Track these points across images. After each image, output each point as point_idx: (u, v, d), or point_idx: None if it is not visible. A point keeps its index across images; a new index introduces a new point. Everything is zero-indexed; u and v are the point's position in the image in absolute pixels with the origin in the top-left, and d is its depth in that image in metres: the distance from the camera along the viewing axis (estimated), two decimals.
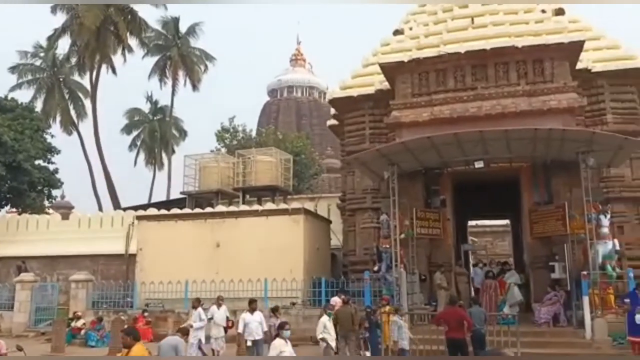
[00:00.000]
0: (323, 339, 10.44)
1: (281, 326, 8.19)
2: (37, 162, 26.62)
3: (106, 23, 29.72)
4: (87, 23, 27.71)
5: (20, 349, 7.27)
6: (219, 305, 13.91)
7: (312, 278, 18.03)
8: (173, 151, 40.02)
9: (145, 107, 42.78)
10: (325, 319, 10.68)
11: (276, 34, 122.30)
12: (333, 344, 10.28)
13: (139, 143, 42.22)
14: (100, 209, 33.31)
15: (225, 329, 13.78)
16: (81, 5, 28.85)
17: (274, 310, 11.77)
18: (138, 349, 5.86)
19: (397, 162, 14.65)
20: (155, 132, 41.21)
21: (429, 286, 15.77)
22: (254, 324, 11.48)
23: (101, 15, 28.70)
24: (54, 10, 31.51)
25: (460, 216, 20.31)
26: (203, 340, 13.10)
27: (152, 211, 22.60)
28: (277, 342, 7.86)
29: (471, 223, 28.67)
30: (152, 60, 37.09)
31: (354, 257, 19.18)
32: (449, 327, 9.71)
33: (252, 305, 11.90)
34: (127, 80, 38.88)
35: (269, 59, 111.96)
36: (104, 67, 32.25)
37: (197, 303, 13.62)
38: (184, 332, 9.04)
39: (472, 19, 16.82)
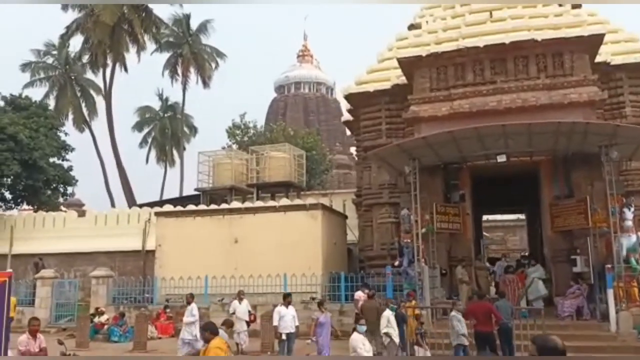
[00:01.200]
0: (387, 334, 10.18)
1: (357, 321, 8.21)
2: (51, 159, 26.75)
3: (121, 21, 29.79)
4: (104, 20, 27.76)
5: (61, 342, 7.35)
6: (240, 300, 14.01)
7: (330, 273, 18.10)
8: (184, 148, 40.13)
9: (156, 105, 42.97)
10: (388, 313, 10.45)
11: (283, 31, 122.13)
12: (397, 339, 10.08)
13: (149, 140, 42.35)
14: (113, 205, 33.47)
15: (248, 323, 13.87)
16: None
17: (320, 304, 11.71)
18: (216, 342, 5.91)
19: (418, 157, 14.63)
20: (166, 130, 41.32)
21: (449, 281, 15.77)
22: (289, 317, 11.55)
23: (117, 13, 28.77)
24: (64, 7, 31.60)
25: (476, 211, 20.29)
26: (198, 336, 13.01)
27: (169, 208, 22.73)
28: (356, 336, 7.88)
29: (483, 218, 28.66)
30: (161, 57, 37.28)
31: (372, 252, 19.22)
32: (478, 321, 9.74)
33: (287, 299, 11.98)
34: (137, 78, 39.02)
35: (276, 55, 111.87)
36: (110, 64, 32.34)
37: (190, 298, 13.55)
38: (228, 325, 9.00)
39: (491, 13, 16.75)
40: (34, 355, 7.21)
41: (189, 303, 13.37)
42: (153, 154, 43.03)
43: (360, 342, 7.77)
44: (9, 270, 7.18)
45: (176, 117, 41.48)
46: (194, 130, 42.43)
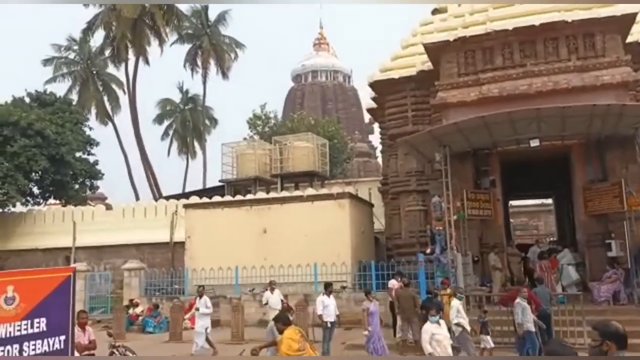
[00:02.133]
0: (458, 324, 9.93)
1: (427, 311, 8.17)
2: (77, 154, 27.08)
3: (143, 14, 29.90)
4: (127, 14, 27.88)
5: (110, 334, 7.46)
6: (272, 290, 14.06)
7: (360, 262, 18.10)
8: (205, 140, 40.31)
9: (176, 97, 43.14)
10: (457, 303, 10.28)
11: (299, 20, 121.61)
12: (468, 328, 9.89)
13: (171, 133, 42.60)
14: (137, 199, 33.82)
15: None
16: None
17: (367, 294, 11.57)
18: (289, 333, 5.96)
19: (448, 143, 14.50)
20: (187, 122, 41.51)
21: (481, 267, 15.65)
22: (332, 306, 11.61)
23: (140, 6, 28.86)
24: (87, 4, 31.84)
25: (504, 196, 20.09)
26: (209, 329, 13.05)
27: (194, 199, 22.90)
28: (428, 326, 7.87)
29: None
30: (179, 49, 37.35)
31: (400, 241, 19.18)
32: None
33: (329, 289, 12.06)
34: (157, 71, 39.32)
35: (293, 45, 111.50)
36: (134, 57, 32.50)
37: (202, 290, 13.55)
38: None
39: None
40: (85, 347, 7.34)
41: (200, 295, 13.31)
42: (174, 146, 43.38)
43: (429, 332, 7.74)
44: (73, 265, 7.28)
45: (197, 109, 41.63)
46: (214, 122, 42.57)
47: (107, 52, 33.76)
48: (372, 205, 21.45)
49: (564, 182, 19.99)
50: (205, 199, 21.97)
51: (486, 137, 14.94)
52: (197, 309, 12.99)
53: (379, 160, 60.54)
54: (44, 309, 4.36)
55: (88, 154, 28.10)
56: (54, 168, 24.97)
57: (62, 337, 4.50)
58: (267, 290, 14.64)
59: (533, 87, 15.22)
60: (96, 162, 28.07)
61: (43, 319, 4.34)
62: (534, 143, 13.88)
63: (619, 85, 14.65)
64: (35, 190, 27.10)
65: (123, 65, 33.14)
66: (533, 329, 9.89)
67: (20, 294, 4.18)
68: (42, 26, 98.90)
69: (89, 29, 32.49)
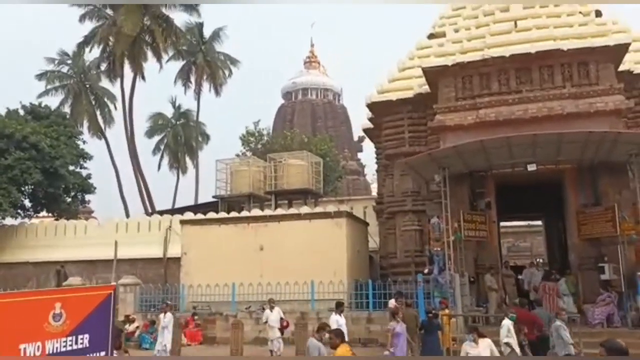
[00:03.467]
0: (508, 344, 9.66)
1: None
2: (70, 167, 26.99)
3: (142, 31, 30.10)
4: (126, 31, 28.06)
5: (126, 351, 7.50)
6: (271, 308, 14.14)
7: (355, 280, 18.25)
8: (196, 155, 40.36)
9: (168, 112, 43.20)
10: (508, 322, 9.98)
11: (289, 38, 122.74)
12: (517, 349, 9.70)
13: (162, 147, 42.58)
14: (128, 214, 33.66)
15: (281, 330, 14.00)
16: (119, 12, 29.22)
17: (394, 314, 11.47)
18: (342, 350, 6.11)
19: (446, 165, 14.81)
20: (179, 137, 41.55)
21: (476, 288, 15.89)
22: (344, 325, 11.66)
23: (139, 24, 29.08)
24: (82, 19, 31.95)
25: (497, 218, 20.40)
26: (168, 347, 13.10)
27: (188, 215, 22.91)
28: (464, 345, 8.01)
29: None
30: (172, 65, 37.50)
31: (395, 260, 19.36)
32: (528, 329, 9.87)
33: (341, 308, 12.12)
34: (149, 85, 39.32)
35: (283, 63, 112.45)
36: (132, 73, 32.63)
37: (166, 307, 13.67)
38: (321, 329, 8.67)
39: (515, 23, 16.95)
40: None
41: (165, 312, 13.33)
42: (164, 161, 43.31)
43: (466, 351, 7.93)
44: (113, 283, 7.30)
45: (189, 124, 41.71)
46: (206, 137, 42.65)
47: (103, 67, 33.77)
48: (366, 224, 21.65)
49: (554, 205, 20.44)
50: (199, 215, 21.99)
51: (483, 160, 15.30)
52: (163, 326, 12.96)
53: (367, 178, 61.11)
54: (87, 325, 4.48)
55: (81, 168, 28.01)
56: (47, 181, 24.87)
57: (102, 353, 4.62)
58: (266, 308, 14.72)
59: (528, 112, 15.64)
60: (89, 176, 27.97)
61: (86, 335, 4.47)
62: (531, 167, 14.25)
63: (612, 113, 15.12)
64: (27, 203, 26.91)
65: (118, 80, 33.12)
66: (573, 352, 9.84)
67: (66, 311, 4.31)
68: (35, 39, 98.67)
69: (85, 43, 32.56)
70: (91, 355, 4.53)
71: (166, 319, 13.16)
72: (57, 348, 4.24)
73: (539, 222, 32.15)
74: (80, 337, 4.42)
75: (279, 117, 64.31)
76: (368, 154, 74.52)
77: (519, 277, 17.67)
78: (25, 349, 4.02)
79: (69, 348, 4.33)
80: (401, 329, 10.83)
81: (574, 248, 16.22)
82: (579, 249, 15.83)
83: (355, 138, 63.95)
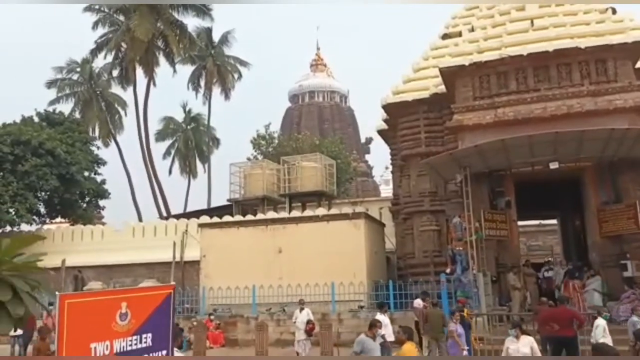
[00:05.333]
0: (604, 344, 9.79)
1: (515, 327, 8.31)
2: (85, 173, 27.15)
3: (155, 37, 30.28)
4: (139, 36, 28.22)
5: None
6: (300, 309, 14.19)
7: (375, 281, 18.27)
8: (208, 159, 40.51)
9: (178, 116, 43.37)
10: (603, 322, 9.95)
11: (296, 42, 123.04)
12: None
13: (173, 152, 42.74)
14: (140, 219, 33.77)
15: (308, 333, 14.02)
16: (132, 18, 29.42)
17: (453, 314, 11.26)
18: (408, 348, 6.19)
19: (467, 165, 14.83)
20: (189, 141, 41.71)
21: (498, 287, 15.89)
22: (389, 325, 11.72)
23: (152, 30, 29.26)
24: (95, 25, 32.20)
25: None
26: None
27: (204, 219, 22.99)
28: (507, 340, 8.23)
29: None
30: (182, 69, 37.63)
31: (413, 260, 19.38)
32: (560, 326, 9.87)
33: (384, 308, 12.28)
34: (159, 90, 39.51)
35: (290, 66, 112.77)
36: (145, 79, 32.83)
37: None
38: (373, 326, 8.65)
39: (532, 21, 16.96)
40: None
41: None
42: (175, 165, 43.45)
43: (506, 346, 8.04)
44: (172, 282, 7.37)
45: (199, 128, 41.88)
46: (216, 141, 42.80)
47: (115, 73, 33.96)
48: (383, 225, 21.67)
49: (570, 203, 20.42)
50: (215, 219, 22.09)
51: (504, 159, 15.31)
52: None
53: (376, 179, 61.00)
54: (150, 324, 4.54)
55: (95, 174, 28.17)
56: (63, 187, 25.01)
57: (164, 352, 4.68)
58: (287, 310, 14.76)
59: (547, 110, 15.66)
60: (103, 182, 28.13)
61: (149, 334, 4.53)
62: (553, 165, 14.25)
63: (631, 110, 15.12)
64: (42, 209, 27.07)
65: (130, 86, 33.31)
66: None
67: (131, 310, 4.37)
68: (43, 48, 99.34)
69: (97, 49, 32.76)
70: (154, 354, 4.59)
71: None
72: (123, 347, 4.30)
73: (551, 221, 32.12)
74: (144, 336, 4.48)
75: (286, 120, 64.41)
76: (375, 156, 74.28)
77: (539, 275, 17.66)
78: (95, 347, 4.08)
79: (134, 347, 4.40)
80: (462, 330, 10.74)
81: (594, 246, 16.19)
82: (600, 247, 15.81)
83: (363, 140, 64.01)
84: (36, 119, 27.50)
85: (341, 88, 68.70)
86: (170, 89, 39.37)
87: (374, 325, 7.94)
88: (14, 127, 24.86)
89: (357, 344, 7.73)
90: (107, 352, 4.18)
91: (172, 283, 5.80)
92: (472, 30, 18.43)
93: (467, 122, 16.43)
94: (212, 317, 17.79)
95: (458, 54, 17.48)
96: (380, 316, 11.60)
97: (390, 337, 11.29)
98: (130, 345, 4.37)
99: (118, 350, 4.26)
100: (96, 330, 4.12)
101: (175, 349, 5.21)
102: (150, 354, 4.55)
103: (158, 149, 42.93)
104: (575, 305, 13.24)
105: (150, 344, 4.54)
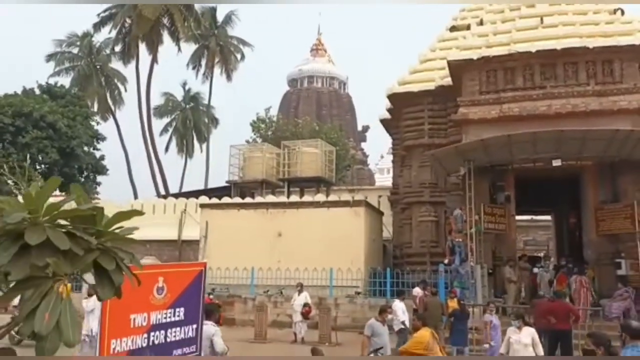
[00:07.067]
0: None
1: (518, 318, 8.47)
2: (85, 148, 27.13)
3: (162, 15, 30.05)
4: (147, 14, 28.03)
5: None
6: (299, 292, 14.41)
7: (372, 269, 18.52)
8: (206, 139, 40.47)
9: (177, 95, 43.20)
10: None
11: (297, 25, 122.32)
12: None
13: (170, 130, 42.63)
14: (136, 196, 33.79)
15: (304, 315, 14.26)
16: None
17: (487, 305, 11.33)
18: (421, 332, 6.36)
19: (471, 158, 15.01)
20: (188, 120, 41.62)
21: (494, 280, 16.16)
22: (406, 313, 11.94)
23: (159, 8, 29.03)
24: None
25: None
26: (94, 331, 10.11)
27: (203, 199, 23.11)
28: (508, 330, 8.35)
29: None
30: (184, 48, 37.43)
31: (410, 250, 19.65)
32: (557, 319, 10.15)
33: (402, 295, 12.42)
34: (159, 68, 39.25)
35: (290, 49, 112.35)
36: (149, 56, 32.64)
37: (90, 291, 10.77)
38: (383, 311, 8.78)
39: (542, 19, 17.07)
40: None
41: (90, 295, 11.00)
42: (172, 144, 43.35)
43: (508, 335, 8.23)
44: (204, 260, 7.51)
45: (198, 108, 41.77)
46: (215, 121, 42.74)
47: (118, 48, 33.74)
48: (382, 214, 21.88)
49: (566, 200, 20.70)
50: (214, 199, 22.21)
51: (507, 154, 15.50)
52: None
53: (371, 167, 61.11)
54: (184, 299, 4.70)
55: (94, 149, 28.15)
56: (63, 161, 25.04)
57: (194, 326, 4.84)
58: (284, 292, 14.96)
59: (552, 108, 15.83)
60: (102, 157, 28.14)
61: (182, 309, 4.68)
62: (556, 162, 14.45)
63: (635, 111, 15.33)
64: (40, 182, 27.02)
65: (132, 62, 33.12)
66: None
67: (167, 285, 4.52)
68: (43, 22, 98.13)
69: (101, 23, 32.49)
70: (185, 328, 4.75)
71: (90, 303, 11.08)
72: (159, 319, 4.46)
73: (543, 217, 32.47)
74: (177, 310, 4.63)
75: (284, 103, 64.22)
76: (370, 144, 74.42)
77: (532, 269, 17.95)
78: (135, 319, 4.24)
79: (168, 320, 4.55)
80: (498, 321, 10.60)
81: (590, 243, 16.48)
82: (595, 245, 16.09)
83: (360, 128, 64.04)
84: (37, 91, 27.36)
85: (340, 74, 68.48)
86: (168, 67, 39.32)
87: (384, 310, 8.24)
88: (16, 98, 24.76)
89: (367, 327, 8.01)
90: (144, 324, 4.33)
91: (204, 261, 5.95)
92: (481, 23, 18.51)
93: (472, 115, 16.58)
94: (212, 296, 17.94)
95: (466, 47, 17.56)
96: (398, 303, 11.85)
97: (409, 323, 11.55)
98: (165, 318, 4.52)
99: (154, 322, 4.42)
100: (135, 302, 4.26)
101: (213, 323, 5.36)
102: (182, 328, 4.70)
103: (155, 125, 42.84)
104: (580, 301, 13.52)
105: (183, 318, 4.69)
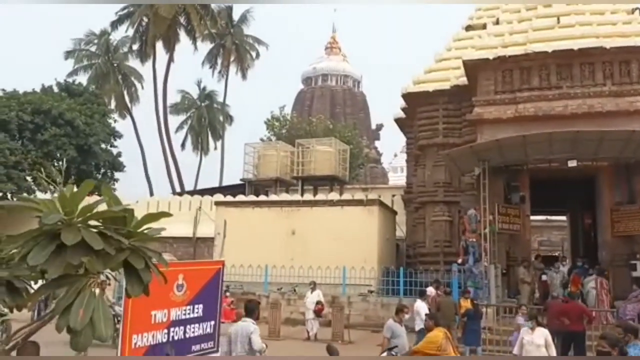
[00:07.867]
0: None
1: (532, 318, 8.52)
2: (102, 145, 27.47)
3: (178, 13, 30.35)
4: (163, 13, 28.31)
5: None
6: (312, 290, 14.53)
7: (385, 267, 18.58)
8: (221, 137, 40.74)
9: (194, 92, 43.50)
10: None
11: (311, 23, 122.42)
12: None
13: (186, 127, 42.95)
14: (152, 193, 34.15)
15: (316, 312, 14.37)
16: None
17: (519, 307, 11.31)
18: (434, 332, 6.43)
19: (486, 159, 15.01)
20: (203, 118, 41.90)
21: (508, 280, 16.15)
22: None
23: (176, 7, 29.33)
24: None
25: None
26: None
27: (218, 197, 23.31)
28: (522, 330, 8.42)
29: None
30: (199, 46, 37.68)
31: (424, 249, 19.66)
32: (571, 321, 10.15)
33: (424, 296, 12.55)
34: (176, 66, 39.54)
35: (304, 47, 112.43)
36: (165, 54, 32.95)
37: None
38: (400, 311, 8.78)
39: (558, 19, 16.98)
40: None
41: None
42: (188, 141, 43.63)
43: (522, 336, 8.28)
44: (222, 258, 7.65)
45: (213, 106, 42.05)
46: (230, 119, 42.98)
47: (135, 47, 34.09)
48: (395, 213, 21.92)
49: (581, 201, 20.59)
50: (229, 197, 22.39)
51: (522, 155, 15.46)
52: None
53: (384, 166, 61.02)
54: (202, 296, 4.83)
55: (111, 146, 28.50)
56: (80, 158, 25.38)
57: (212, 322, 4.97)
58: (297, 290, 15.07)
59: (568, 108, 15.76)
60: (119, 154, 28.46)
61: (201, 305, 4.81)
62: (572, 163, 14.39)
63: None
64: (58, 179, 27.42)
65: (149, 60, 33.43)
66: None
67: (187, 282, 4.65)
68: (62, 22, 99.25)
69: (118, 22, 32.86)
70: (203, 324, 4.86)
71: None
72: (178, 315, 4.59)
73: (558, 217, 32.27)
74: (196, 306, 4.76)
75: (298, 102, 64.30)
76: (384, 143, 74.27)
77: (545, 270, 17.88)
78: (155, 315, 4.37)
79: (188, 316, 4.68)
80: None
81: (605, 244, 16.39)
82: (610, 246, 16.00)
83: (373, 126, 63.94)
84: (56, 89, 27.75)
85: (354, 73, 68.34)
86: (185, 65, 39.61)
87: (401, 310, 8.28)
88: (35, 96, 25.15)
89: (386, 329, 8.08)
90: (164, 320, 4.46)
91: (222, 259, 6.06)
92: (497, 23, 18.47)
93: (488, 115, 16.55)
94: (227, 293, 18.11)
95: (482, 46, 17.52)
96: (420, 303, 11.89)
97: None
98: (185, 314, 4.65)
99: (174, 318, 4.55)
100: (156, 298, 4.38)
101: (253, 321, 5.42)
102: (200, 324, 4.82)
103: (171, 123, 43.17)
104: (601, 303, 13.49)
105: (201, 314, 4.82)
